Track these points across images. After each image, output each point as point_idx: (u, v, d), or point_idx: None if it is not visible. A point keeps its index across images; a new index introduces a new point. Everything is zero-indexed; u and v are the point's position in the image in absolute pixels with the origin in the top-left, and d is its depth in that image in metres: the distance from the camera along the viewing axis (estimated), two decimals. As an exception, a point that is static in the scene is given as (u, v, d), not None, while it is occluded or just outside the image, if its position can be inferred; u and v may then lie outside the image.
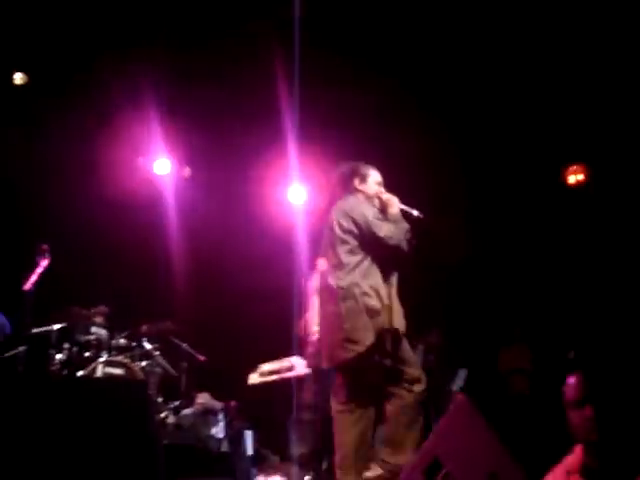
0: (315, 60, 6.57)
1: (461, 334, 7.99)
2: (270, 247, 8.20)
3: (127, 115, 7.30)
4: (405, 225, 3.71)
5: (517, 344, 7.83)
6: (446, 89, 7.42)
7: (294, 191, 8.48)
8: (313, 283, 4.74)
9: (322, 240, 3.91)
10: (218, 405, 6.83)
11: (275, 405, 6.38)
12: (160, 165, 8.22)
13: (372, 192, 3.89)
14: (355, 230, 3.68)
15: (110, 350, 6.49)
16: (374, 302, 3.60)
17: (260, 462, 6.73)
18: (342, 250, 3.69)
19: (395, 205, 3.78)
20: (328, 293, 3.75)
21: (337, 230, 3.72)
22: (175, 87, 7.29)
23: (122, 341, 6.68)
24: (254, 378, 6.34)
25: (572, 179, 8.37)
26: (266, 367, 6.31)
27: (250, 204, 8.28)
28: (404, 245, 3.65)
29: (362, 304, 3.58)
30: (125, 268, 7.74)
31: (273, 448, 6.79)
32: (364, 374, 3.72)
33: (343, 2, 6.64)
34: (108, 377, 5.97)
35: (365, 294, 3.60)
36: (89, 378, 5.78)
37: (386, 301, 3.65)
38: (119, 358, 6.40)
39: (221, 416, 6.47)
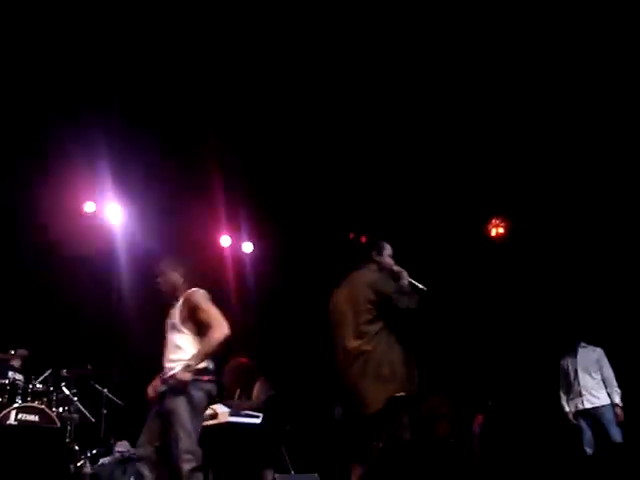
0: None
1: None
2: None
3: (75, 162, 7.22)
4: (416, 297, 4.04)
5: (438, 392, 7.97)
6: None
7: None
8: None
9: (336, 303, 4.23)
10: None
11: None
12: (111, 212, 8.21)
13: (386, 264, 4.23)
14: (376, 299, 3.97)
15: (26, 395, 6.25)
16: (387, 370, 3.89)
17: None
18: (362, 319, 3.97)
19: (405, 277, 4.14)
20: (347, 356, 4.00)
21: (361, 300, 3.99)
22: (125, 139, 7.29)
23: (39, 386, 6.45)
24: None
25: (493, 232, 8.70)
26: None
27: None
28: (417, 315, 4.03)
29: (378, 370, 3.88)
30: (48, 311, 7.52)
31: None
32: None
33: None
34: (22, 424, 5.73)
35: (381, 362, 3.90)
36: (1, 425, 5.54)
37: (399, 369, 3.95)
38: (35, 404, 6.16)
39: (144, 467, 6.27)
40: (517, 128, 7.28)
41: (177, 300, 4.19)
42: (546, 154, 7.50)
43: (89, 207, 8.08)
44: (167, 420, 3.95)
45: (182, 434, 3.85)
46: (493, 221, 8.73)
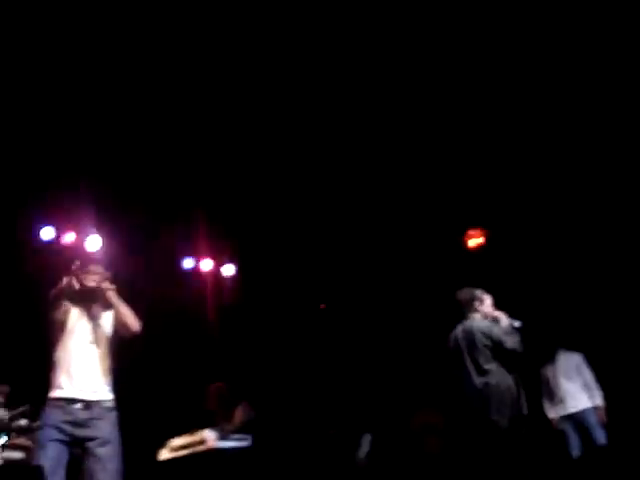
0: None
1: (365, 400, 8.13)
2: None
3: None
4: (517, 335, 4.86)
5: (429, 407, 7.97)
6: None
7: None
8: None
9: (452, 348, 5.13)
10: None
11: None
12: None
13: (488, 311, 5.08)
14: (490, 344, 4.86)
15: (10, 432, 6.17)
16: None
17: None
18: (482, 359, 4.89)
19: (504, 320, 4.96)
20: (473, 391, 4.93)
21: (478, 344, 4.90)
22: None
23: (23, 422, 6.36)
24: (164, 454, 6.17)
25: (472, 243, 8.78)
26: (176, 442, 6.16)
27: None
28: (520, 350, 4.83)
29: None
30: (28, 345, 7.42)
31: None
32: None
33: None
34: (7, 462, 5.66)
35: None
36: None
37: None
38: (19, 440, 6.09)
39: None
40: (494, 139, 7.37)
41: None
42: (525, 165, 7.60)
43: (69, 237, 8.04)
44: None
45: None
46: (470, 232, 8.82)
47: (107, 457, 3.70)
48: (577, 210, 7.81)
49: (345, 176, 7.85)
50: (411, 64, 6.49)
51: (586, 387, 6.71)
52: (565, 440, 6.70)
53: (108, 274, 4.03)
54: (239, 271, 9.10)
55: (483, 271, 8.23)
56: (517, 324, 4.97)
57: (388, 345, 8.79)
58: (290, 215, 8.33)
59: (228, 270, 9.19)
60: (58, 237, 8.00)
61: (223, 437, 6.07)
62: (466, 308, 5.12)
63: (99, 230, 7.90)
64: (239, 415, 6.40)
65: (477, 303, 5.11)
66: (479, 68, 6.54)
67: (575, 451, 6.55)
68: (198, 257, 8.96)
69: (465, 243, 8.81)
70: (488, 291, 7.73)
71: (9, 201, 7.18)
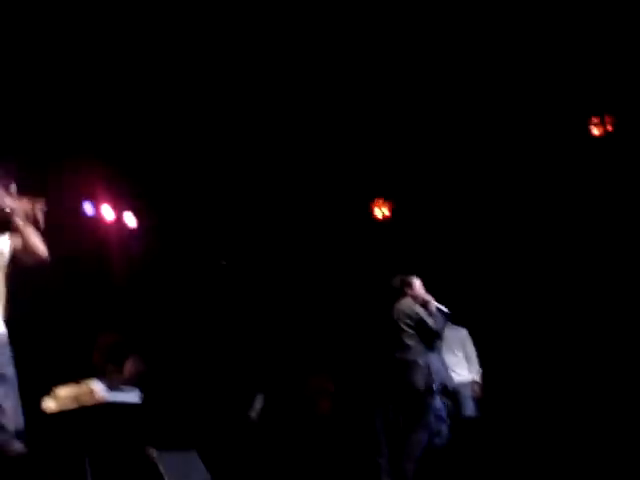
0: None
1: (259, 360, 8.17)
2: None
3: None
4: (440, 318, 5.51)
5: (321, 371, 8.09)
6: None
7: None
8: None
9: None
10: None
11: (71, 437, 6.01)
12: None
13: (418, 294, 5.66)
14: (413, 324, 5.48)
15: None
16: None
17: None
18: (405, 336, 5.50)
19: (432, 303, 5.56)
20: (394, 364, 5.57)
21: (401, 324, 5.49)
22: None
23: None
24: (50, 403, 5.93)
25: (378, 213, 8.89)
26: (63, 392, 5.93)
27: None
28: (441, 331, 5.55)
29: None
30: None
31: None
32: None
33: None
34: None
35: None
36: None
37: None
38: None
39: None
40: (400, 109, 7.42)
41: None
42: (432, 135, 7.71)
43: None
44: None
45: None
46: (377, 202, 8.93)
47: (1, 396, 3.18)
48: (484, 182, 8.02)
49: (254, 133, 7.74)
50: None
51: (467, 361, 7.01)
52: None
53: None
54: (142, 223, 8.84)
55: (389, 242, 8.43)
56: (444, 309, 5.61)
57: (288, 308, 8.83)
58: (196, 168, 8.15)
59: (130, 220, 8.92)
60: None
61: (111, 389, 5.92)
62: (398, 293, 5.62)
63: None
64: (129, 368, 6.27)
65: (407, 288, 5.63)
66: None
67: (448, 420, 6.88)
68: (98, 203, 8.64)
69: (373, 213, 8.92)
70: (392, 262, 7.98)
71: None
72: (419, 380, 5.35)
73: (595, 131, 7.71)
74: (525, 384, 7.10)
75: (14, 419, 3.16)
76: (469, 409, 6.75)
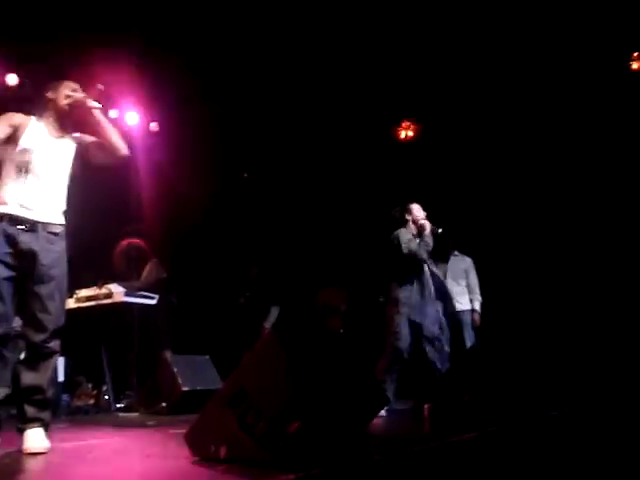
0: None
1: (276, 273, 8.30)
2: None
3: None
4: (429, 241, 5.49)
5: (335, 286, 8.24)
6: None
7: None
8: None
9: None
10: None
11: (90, 332, 6.27)
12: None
13: (415, 218, 5.60)
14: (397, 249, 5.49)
15: None
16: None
17: (74, 389, 6.64)
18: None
19: (428, 227, 5.50)
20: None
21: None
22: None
23: None
24: (70, 303, 6.18)
25: (403, 134, 8.81)
26: (83, 293, 6.17)
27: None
28: (423, 255, 5.47)
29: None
30: None
31: (87, 376, 6.72)
32: None
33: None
34: None
35: None
36: None
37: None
38: None
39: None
40: (430, 29, 7.22)
41: None
42: (459, 55, 7.51)
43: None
44: None
45: None
46: (403, 124, 8.82)
47: (48, 294, 3.25)
48: (509, 109, 7.85)
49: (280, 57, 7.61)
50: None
51: (469, 290, 7.16)
52: None
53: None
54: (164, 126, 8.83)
55: (414, 164, 8.37)
56: (439, 230, 5.54)
57: (307, 224, 8.91)
58: (221, 77, 8.05)
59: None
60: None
61: (131, 293, 6.13)
62: (400, 223, 5.63)
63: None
64: (147, 272, 6.44)
65: (406, 214, 5.63)
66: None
67: (447, 347, 7.08)
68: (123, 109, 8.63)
69: (397, 134, 8.83)
70: (413, 184, 7.97)
71: None
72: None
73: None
74: (524, 315, 7.22)
75: (55, 319, 3.27)
76: (469, 337, 6.95)
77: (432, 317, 5.49)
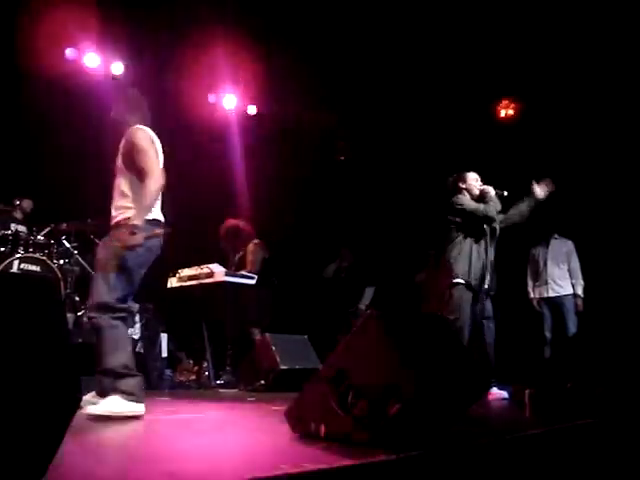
0: None
1: (370, 254, 8.26)
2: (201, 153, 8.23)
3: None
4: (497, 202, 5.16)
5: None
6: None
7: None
8: None
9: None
10: (135, 306, 6.85)
11: (192, 310, 6.47)
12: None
13: (472, 186, 5.32)
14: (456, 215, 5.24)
15: (28, 247, 6.38)
16: None
17: (174, 364, 6.89)
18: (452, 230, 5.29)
19: (491, 191, 5.19)
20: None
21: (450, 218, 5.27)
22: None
23: (41, 238, 6.56)
24: (173, 282, 6.41)
25: (503, 113, 8.54)
26: (185, 272, 6.37)
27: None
28: (493, 213, 5.13)
29: None
30: (53, 163, 7.43)
31: (187, 352, 6.95)
32: None
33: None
34: (23, 272, 5.89)
35: None
36: (1, 272, 5.69)
37: None
38: (36, 255, 6.30)
39: (137, 318, 6.53)
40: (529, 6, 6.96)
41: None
42: (561, 32, 7.20)
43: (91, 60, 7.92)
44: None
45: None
46: (503, 102, 8.56)
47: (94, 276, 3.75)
48: (613, 84, 7.47)
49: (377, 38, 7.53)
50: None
51: (570, 274, 6.89)
52: (541, 321, 6.98)
53: None
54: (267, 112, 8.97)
55: (514, 143, 8.11)
56: (505, 193, 5.24)
57: (403, 204, 8.82)
58: (317, 57, 8.06)
59: (251, 109, 9.12)
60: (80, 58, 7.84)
61: (229, 273, 6.27)
62: (454, 191, 5.37)
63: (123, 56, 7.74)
64: (252, 255, 6.57)
65: (460, 183, 5.37)
66: None
67: (548, 333, 6.86)
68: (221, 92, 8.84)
69: (497, 113, 8.58)
70: (514, 163, 7.73)
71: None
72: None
73: None
74: (628, 300, 6.89)
75: (93, 296, 3.53)
76: (571, 322, 6.72)
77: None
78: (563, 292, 6.87)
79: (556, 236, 7.10)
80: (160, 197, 3.68)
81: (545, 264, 7.03)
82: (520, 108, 8.55)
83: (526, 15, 7.11)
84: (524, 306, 7.17)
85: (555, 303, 6.90)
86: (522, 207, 5.33)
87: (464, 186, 5.36)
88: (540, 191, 5.27)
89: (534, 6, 7.03)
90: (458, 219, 5.20)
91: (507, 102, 8.54)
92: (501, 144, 8.14)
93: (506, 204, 5.34)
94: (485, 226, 5.18)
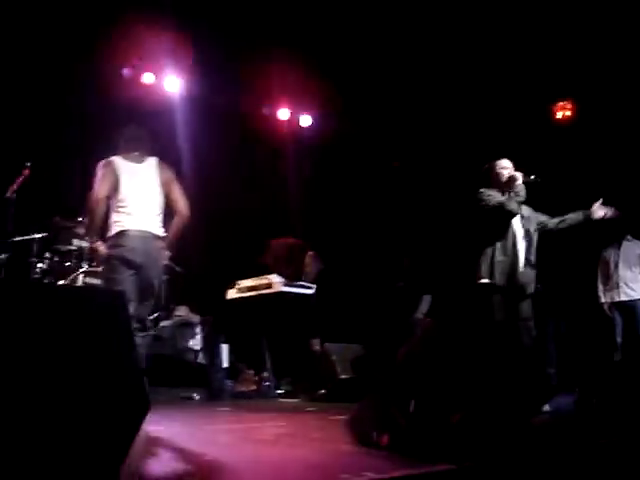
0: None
1: (428, 262, 8.19)
2: (256, 165, 8.32)
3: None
4: (520, 192, 4.68)
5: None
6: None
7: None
8: None
9: None
10: (196, 318, 6.99)
11: (251, 321, 6.54)
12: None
13: (501, 174, 4.86)
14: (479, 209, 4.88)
15: (91, 261, 6.55)
16: None
17: (235, 375, 6.97)
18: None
19: (519, 178, 4.70)
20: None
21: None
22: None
23: (103, 251, 6.72)
24: (232, 293, 6.48)
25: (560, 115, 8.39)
26: (245, 283, 6.44)
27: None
28: (513, 206, 4.67)
29: None
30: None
31: (248, 362, 7.02)
32: None
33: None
34: (89, 286, 6.05)
35: None
36: (69, 286, 5.85)
37: None
38: (100, 269, 6.46)
39: (198, 329, 6.65)
40: (589, 8, 6.82)
41: (142, 158, 4.50)
42: (621, 34, 7.03)
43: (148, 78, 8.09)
44: None
45: None
46: (560, 103, 8.39)
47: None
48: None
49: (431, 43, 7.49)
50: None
51: None
52: (612, 326, 6.74)
53: None
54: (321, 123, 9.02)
55: (571, 145, 7.94)
56: (532, 177, 4.78)
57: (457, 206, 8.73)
58: (367, 78, 8.08)
59: (305, 120, 9.18)
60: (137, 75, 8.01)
61: (289, 284, 6.31)
62: (485, 182, 4.96)
63: (177, 71, 7.89)
64: (308, 266, 6.60)
65: (491, 173, 4.95)
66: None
67: (619, 338, 6.63)
68: (275, 104, 8.93)
69: (554, 114, 8.41)
70: (571, 166, 7.57)
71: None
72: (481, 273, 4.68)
73: None
74: None
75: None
76: None
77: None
78: (635, 296, 6.65)
79: (629, 237, 6.87)
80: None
81: (616, 267, 6.80)
82: (577, 109, 8.36)
83: (584, 16, 6.97)
84: (595, 310, 6.95)
85: (627, 307, 6.67)
86: (570, 220, 4.94)
87: (493, 174, 4.93)
88: (599, 213, 4.86)
89: (591, 7, 6.89)
90: (482, 216, 4.79)
91: (564, 104, 8.36)
92: (558, 146, 7.98)
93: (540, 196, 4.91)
94: (512, 221, 4.74)
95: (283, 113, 9.05)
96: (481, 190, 4.83)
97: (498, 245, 4.70)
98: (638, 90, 7.35)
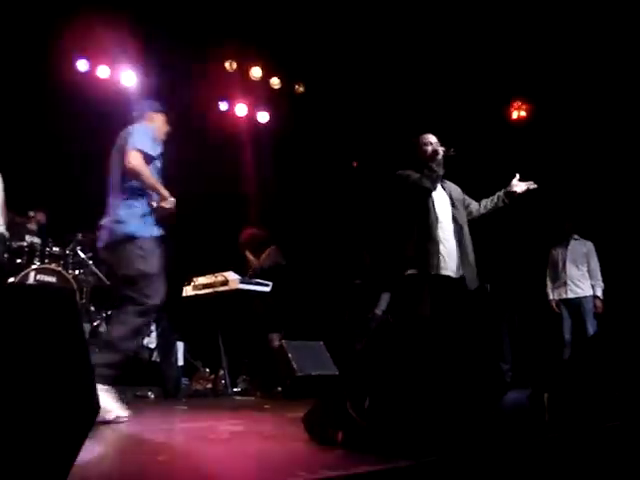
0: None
1: (386, 258, 8.22)
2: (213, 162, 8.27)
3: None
4: (436, 167, 4.53)
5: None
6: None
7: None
8: None
9: None
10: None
11: (207, 318, 6.48)
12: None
13: (423, 152, 4.69)
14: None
15: (43, 258, 6.42)
16: None
17: (191, 373, 6.90)
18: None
19: (438, 153, 4.58)
20: None
21: None
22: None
23: (56, 249, 6.61)
24: (188, 291, 6.42)
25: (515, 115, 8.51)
26: (200, 280, 6.38)
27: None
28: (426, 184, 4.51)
29: None
30: (65, 175, 7.48)
31: (203, 360, 6.96)
32: None
33: None
34: (40, 284, 5.93)
35: None
36: (18, 284, 5.72)
37: None
38: (52, 266, 6.34)
39: (153, 327, 6.54)
40: (540, 6, 6.94)
41: None
42: (572, 34, 7.17)
43: (103, 72, 7.97)
44: None
45: None
46: (514, 103, 8.52)
47: None
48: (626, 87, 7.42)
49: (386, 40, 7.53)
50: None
51: (590, 275, 6.84)
52: (560, 323, 6.92)
53: None
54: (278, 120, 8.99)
55: (525, 145, 8.06)
56: (452, 150, 4.62)
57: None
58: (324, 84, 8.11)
59: (263, 117, 9.15)
60: (92, 70, 7.90)
61: (246, 281, 6.27)
62: (411, 157, 4.79)
63: (133, 65, 7.78)
64: (264, 257, 6.59)
65: (416, 148, 4.75)
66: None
67: (567, 335, 6.80)
68: (233, 101, 8.88)
69: (509, 115, 8.54)
70: (526, 165, 7.66)
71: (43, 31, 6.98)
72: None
73: None
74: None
75: None
76: (590, 324, 6.67)
77: None
78: (582, 293, 6.82)
79: (576, 237, 7.06)
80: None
81: (564, 265, 6.98)
82: (532, 109, 8.50)
83: (539, 16, 7.08)
84: (543, 308, 7.10)
85: (574, 304, 6.85)
86: (492, 202, 4.75)
87: (418, 149, 4.70)
88: (521, 187, 4.66)
89: (545, 7, 7.00)
90: (402, 199, 4.60)
91: (519, 104, 8.49)
92: (513, 146, 8.10)
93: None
94: (430, 202, 4.48)
95: (240, 109, 9.01)
96: (398, 172, 4.66)
97: (423, 230, 4.44)
98: (594, 92, 7.52)
